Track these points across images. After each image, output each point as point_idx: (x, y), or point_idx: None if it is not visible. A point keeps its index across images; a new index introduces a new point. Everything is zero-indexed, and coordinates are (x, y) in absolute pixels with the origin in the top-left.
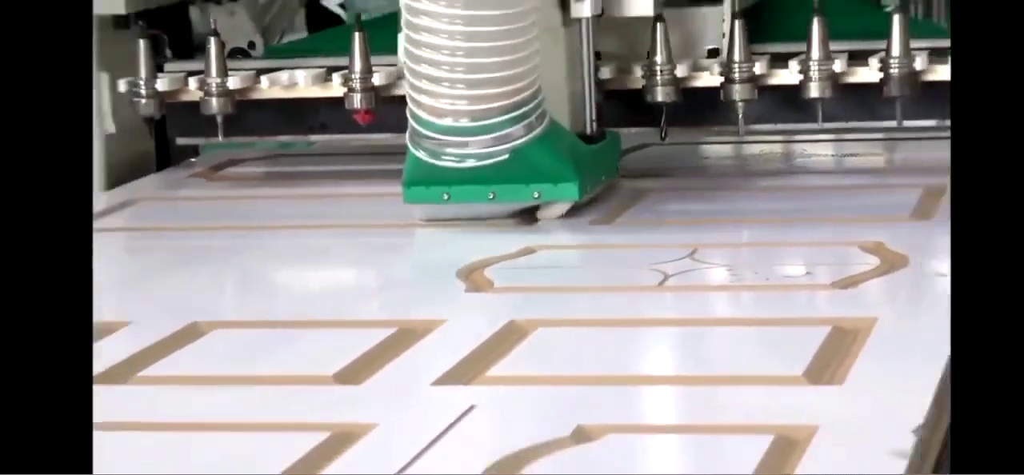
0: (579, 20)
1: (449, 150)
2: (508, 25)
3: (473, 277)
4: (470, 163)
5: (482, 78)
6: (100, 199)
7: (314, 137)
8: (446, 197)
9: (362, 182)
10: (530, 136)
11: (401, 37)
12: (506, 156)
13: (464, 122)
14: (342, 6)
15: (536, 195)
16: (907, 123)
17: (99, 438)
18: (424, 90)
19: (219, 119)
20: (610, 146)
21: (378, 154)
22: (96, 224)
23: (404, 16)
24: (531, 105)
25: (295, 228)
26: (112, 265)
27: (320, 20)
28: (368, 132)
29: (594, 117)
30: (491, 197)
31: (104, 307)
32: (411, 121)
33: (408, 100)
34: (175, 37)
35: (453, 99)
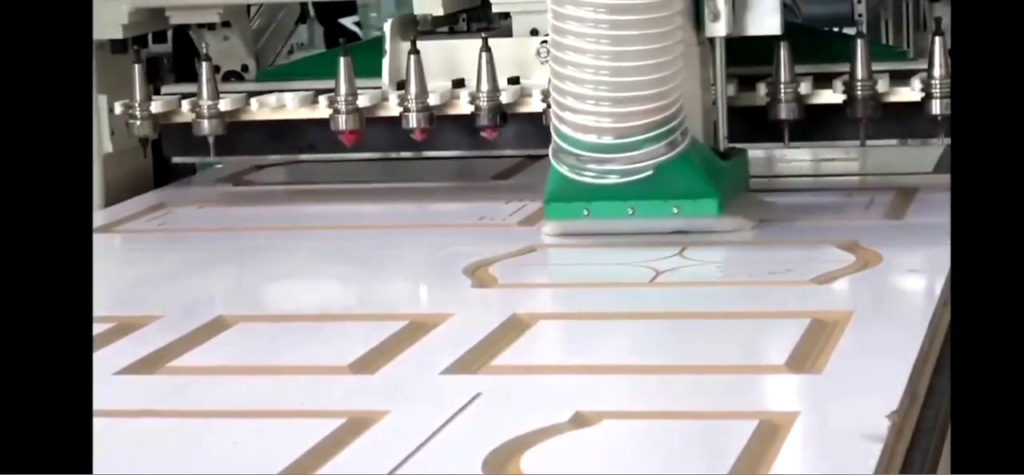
0: (713, 39)
1: (591, 166)
2: (654, 44)
3: (478, 274)
4: (611, 179)
5: (627, 96)
6: (133, 204)
7: (303, 156)
8: (586, 213)
9: (374, 189)
10: (672, 153)
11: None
12: (649, 173)
13: (607, 139)
14: (358, 24)
15: (675, 210)
16: (870, 143)
17: (130, 423)
18: (568, 106)
19: (210, 140)
20: (740, 162)
21: (389, 164)
22: (130, 226)
23: (550, 33)
24: (674, 123)
25: (312, 230)
26: (145, 264)
27: (338, 37)
28: (354, 151)
29: (725, 133)
30: (630, 213)
31: (138, 302)
32: (554, 137)
33: (553, 116)
34: (181, 59)
35: (598, 116)
